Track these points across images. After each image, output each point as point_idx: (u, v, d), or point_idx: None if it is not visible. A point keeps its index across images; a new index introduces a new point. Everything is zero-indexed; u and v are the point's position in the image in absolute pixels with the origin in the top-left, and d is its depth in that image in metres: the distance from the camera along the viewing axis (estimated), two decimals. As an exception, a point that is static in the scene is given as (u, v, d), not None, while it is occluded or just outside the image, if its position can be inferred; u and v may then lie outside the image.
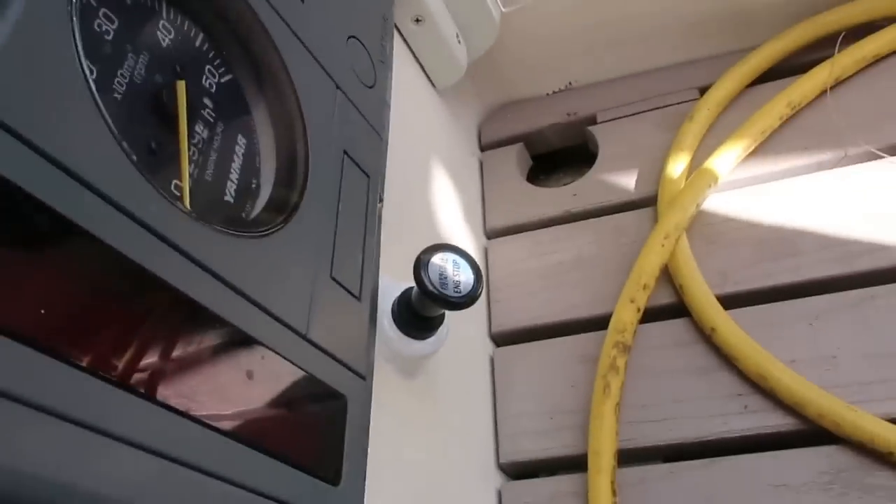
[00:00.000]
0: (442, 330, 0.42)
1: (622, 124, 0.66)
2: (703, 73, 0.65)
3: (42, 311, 0.20)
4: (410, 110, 0.57)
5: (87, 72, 0.24)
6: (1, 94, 0.20)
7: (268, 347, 0.28)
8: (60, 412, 0.19)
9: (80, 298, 0.21)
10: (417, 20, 0.56)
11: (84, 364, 0.20)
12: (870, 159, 0.56)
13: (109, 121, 0.24)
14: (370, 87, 0.41)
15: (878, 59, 0.59)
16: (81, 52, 0.24)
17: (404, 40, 0.57)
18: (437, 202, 0.57)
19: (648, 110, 0.66)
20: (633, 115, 0.66)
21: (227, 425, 0.25)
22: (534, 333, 0.58)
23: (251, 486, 0.24)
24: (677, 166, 0.59)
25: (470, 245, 0.61)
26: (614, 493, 0.47)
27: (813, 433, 0.47)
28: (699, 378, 0.51)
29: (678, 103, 0.65)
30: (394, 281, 0.42)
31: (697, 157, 0.60)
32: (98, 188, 0.22)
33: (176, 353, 0.24)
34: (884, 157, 0.55)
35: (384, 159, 0.41)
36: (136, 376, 0.22)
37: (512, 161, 0.68)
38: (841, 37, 0.60)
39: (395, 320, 0.40)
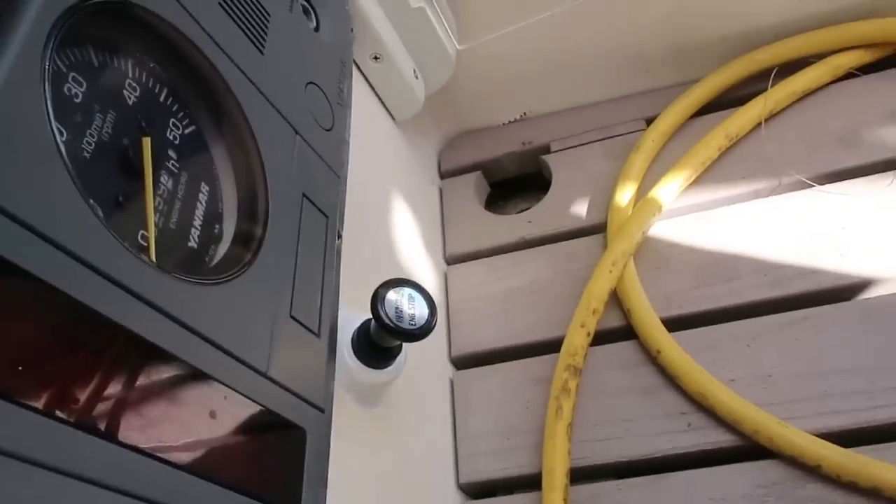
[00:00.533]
0: (400, 358, 0.44)
1: (574, 153, 0.69)
2: (650, 105, 0.69)
3: (11, 362, 0.21)
4: (370, 143, 0.59)
5: (57, 134, 0.26)
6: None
7: (229, 387, 0.29)
8: (27, 456, 0.21)
9: (47, 347, 0.23)
10: (376, 57, 0.59)
11: (51, 408, 0.22)
12: (801, 188, 0.60)
13: (77, 180, 0.26)
14: (328, 130, 0.43)
15: (808, 94, 0.64)
16: (52, 116, 0.26)
17: (364, 76, 0.60)
18: (397, 230, 0.59)
19: (598, 140, 0.69)
20: (585, 144, 0.69)
21: (190, 461, 0.27)
22: (491, 357, 0.60)
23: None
24: (625, 195, 0.62)
25: (430, 270, 0.63)
26: (567, 509, 0.49)
27: (750, 449, 0.50)
28: (646, 397, 0.54)
29: (626, 133, 0.68)
30: (353, 313, 0.44)
31: (644, 185, 0.63)
32: (64, 245, 0.24)
33: (139, 395, 0.25)
34: (814, 185, 0.59)
35: (343, 198, 0.44)
36: (100, 419, 0.23)
37: (470, 188, 0.71)
38: (774, 72, 0.64)
39: (354, 351, 0.42)
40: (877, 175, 0.58)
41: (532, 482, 0.53)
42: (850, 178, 0.59)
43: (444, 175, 0.73)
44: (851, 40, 0.64)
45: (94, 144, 0.29)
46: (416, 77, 0.62)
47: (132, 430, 0.25)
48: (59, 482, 0.22)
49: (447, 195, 0.72)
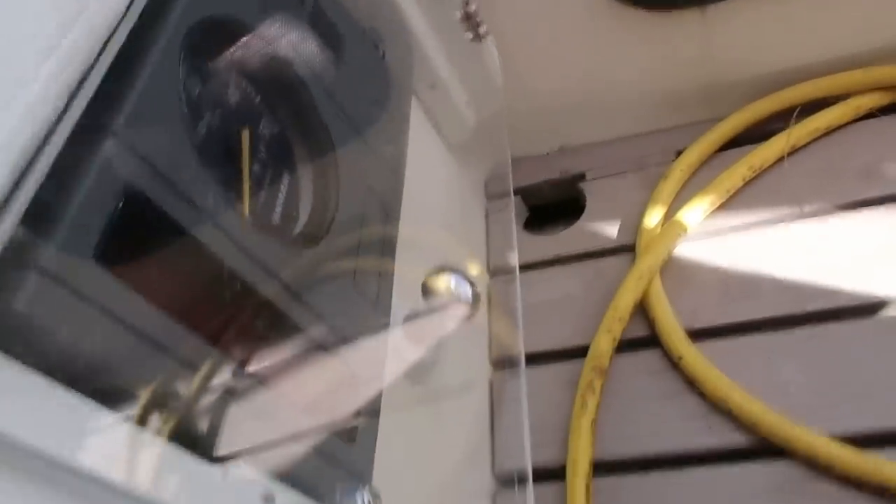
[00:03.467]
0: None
1: (608, 182, 0.75)
2: (680, 139, 0.74)
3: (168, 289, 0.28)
4: (425, 163, 0.66)
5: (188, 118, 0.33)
6: (144, 141, 0.29)
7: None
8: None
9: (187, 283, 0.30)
10: (432, 86, 0.66)
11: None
12: (822, 215, 0.64)
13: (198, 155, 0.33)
14: (390, 144, 0.50)
15: (830, 131, 0.68)
16: (184, 106, 0.33)
17: (420, 103, 0.67)
18: (446, 244, 0.65)
19: (631, 170, 0.75)
20: (618, 174, 0.75)
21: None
22: (526, 360, 0.65)
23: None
24: (653, 218, 0.67)
25: (476, 283, 0.69)
26: (588, 498, 0.53)
27: (766, 449, 0.53)
28: (668, 401, 0.58)
29: (658, 164, 0.74)
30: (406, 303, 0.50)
31: (671, 210, 0.68)
32: (189, 197, 0.31)
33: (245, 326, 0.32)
34: (834, 213, 0.63)
35: (400, 197, 0.50)
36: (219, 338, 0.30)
37: (511, 211, 0.77)
38: (797, 111, 0.69)
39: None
40: (895, 204, 0.62)
41: (558, 474, 0.57)
42: (869, 207, 0.63)
43: (489, 198, 0.79)
44: (872, 83, 0.69)
45: (205, 131, 0.36)
46: (468, 106, 0.69)
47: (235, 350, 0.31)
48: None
49: (492, 216, 0.78)
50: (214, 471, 0.26)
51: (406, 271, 0.49)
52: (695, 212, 0.66)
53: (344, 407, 0.36)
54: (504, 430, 0.61)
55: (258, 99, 0.41)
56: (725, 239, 0.66)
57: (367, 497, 0.32)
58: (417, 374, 0.50)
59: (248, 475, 0.27)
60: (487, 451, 0.60)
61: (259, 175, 0.39)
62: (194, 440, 0.26)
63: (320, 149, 0.43)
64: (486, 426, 0.61)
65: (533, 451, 0.59)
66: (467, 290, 0.45)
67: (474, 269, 0.70)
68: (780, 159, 0.68)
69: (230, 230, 0.32)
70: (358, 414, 0.36)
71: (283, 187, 0.41)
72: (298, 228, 0.40)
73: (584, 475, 0.54)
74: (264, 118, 0.41)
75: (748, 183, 0.67)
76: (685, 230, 0.65)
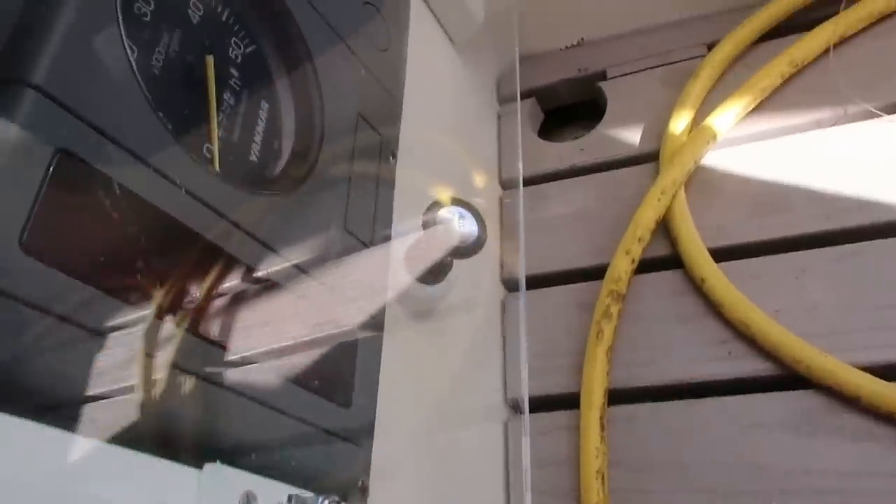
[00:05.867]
0: (451, 276, 0.46)
1: (631, 80, 0.68)
2: (712, 29, 0.67)
3: (96, 256, 0.24)
4: (427, 64, 0.59)
5: (129, 51, 0.28)
6: (60, 76, 0.24)
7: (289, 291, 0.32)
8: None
9: (125, 246, 0.26)
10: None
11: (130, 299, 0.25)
12: (867, 118, 0.57)
13: (147, 94, 0.28)
14: (384, 51, 0.44)
15: (884, 18, 0.60)
16: (124, 34, 0.28)
17: (418, -5, 0.60)
18: (454, 153, 0.60)
19: (657, 66, 0.67)
20: (642, 70, 0.68)
21: (251, 354, 0.30)
22: (539, 281, 0.62)
23: (279, 406, 0.29)
24: (680, 123, 0.61)
25: (484, 194, 0.65)
26: (603, 427, 0.52)
27: (789, 378, 0.50)
28: (687, 325, 0.55)
29: (686, 59, 0.67)
30: (407, 231, 0.46)
31: (701, 113, 0.62)
32: (134, 150, 0.26)
33: (206, 297, 0.28)
34: (881, 115, 0.57)
35: (398, 118, 0.45)
36: (177, 312, 0.26)
37: (524, 115, 0.71)
38: (848, -6, 0.60)
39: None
40: (951, 107, 0.56)
41: (571, 401, 0.55)
42: (921, 110, 0.56)
43: (501, 101, 0.73)
44: (937, -40, 0.60)
45: (161, 62, 0.31)
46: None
47: (204, 325, 0.27)
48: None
49: (504, 121, 0.72)
50: (189, 472, 0.23)
51: (409, 185, 0.45)
52: (726, 116, 0.59)
53: (337, 363, 0.33)
54: (515, 355, 0.59)
55: (225, 14, 0.35)
56: (757, 146, 0.60)
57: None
58: (423, 312, 0.47)
59: (227, 474, 0.24)
60: (500, 377, 0.58)
61: (232, 107, 0.34)
62: (165, 440, 0.23)
63: (300, 68, 0.38)
64: (498, 351, 0.59)
65: (546, 377, 0.57)
66: (473, 227, 0.41)
67: (481, 181, 0.66)
68: (826, 52, 0.61)
69: (195, 185, 0.28)
70: (354, 377, 0.34)
71: (262, 118, 0.36)
72: (281, 164, 0.36)
73: (599, 406, 0.52)
74: (232, 36, 0.35)
75: (787, 81, 0.61)
76: (714, 137, 0.59)
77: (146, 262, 0.25)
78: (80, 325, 0.22)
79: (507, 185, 0.68)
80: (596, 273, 0.59)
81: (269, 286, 0.31)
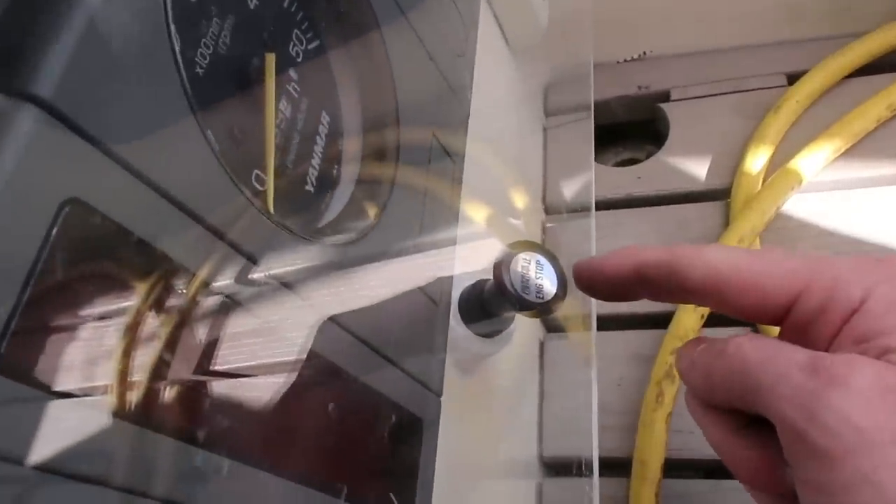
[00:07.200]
0: (510, 329, 0.39)
1: (698, 105, 0.61)
2: (794, 58, 0.60)
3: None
4: (482, 70, 0.52)
5: (175, 43, 0.20)
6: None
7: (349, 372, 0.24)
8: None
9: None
10: (498, -30, 0.51)
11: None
12: (968, 176, 0.51)
13: (195, 104, 0.20)
14: (460, 57, 0.37)
15: None
16: (171, 18, 0.20)
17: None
18: (499, 172, 0.52)
19: (729, 92, 0.61)
20: (711, 95, 0.61)
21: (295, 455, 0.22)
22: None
23: None
24: (757, 160, 0.54)
25: (527, 221, 0.57)
26: (658, 505, 0.45)
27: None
28: (758, 394, 0.48)
29: (762, 88, 0.60)
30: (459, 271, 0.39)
31: (780, 152, 0.55)
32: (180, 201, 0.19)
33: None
34: (984, 175, 0.51)
35: (465, 137, 0.37)
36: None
37: (575, 132, 0.64)
38: (956, 35, 0.54)
39: (462, 316, 0.37)
40: None
41: (619, 467, 0.49)
42: None
43: (548, 113, 0.66)
44: None
45: (208, 58, 0.23)
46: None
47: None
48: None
49: (552, 135, 0.64)
50: None
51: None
52: (813, 159, 0.53)
53: (397, 468, 0.26)
54: (555, 405, 0.52)
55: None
56: (843, 195, 0.53)
57: None
58: (471, 365, 0.40)
59: None
60: (535, 430, 0.51)
61: (288, 120, 0.26)
62: None
63: (375, 74, 0.30)
64: (534, 398, 0.52)
65: (589, 436, 0.50)
66: (553, 281, 0.34)
67: (522, 203, 0.58)
68: (926, 97, 0.54)
69: (247, 239, 0.20)
70: (416, 475, 0.26)
71: (321, 134, 0.28)
72: (341, 199, 0.28)
73: (654, 482, 0.45)
74: (294, 28, 0.28)
75: (882, 124, 0.54)
76: (800, 182, 0.52)
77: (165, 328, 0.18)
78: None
79: (552, 209, 0.61)
80: (655, 321, 0.52)
81: (325, 368, 0.23)
